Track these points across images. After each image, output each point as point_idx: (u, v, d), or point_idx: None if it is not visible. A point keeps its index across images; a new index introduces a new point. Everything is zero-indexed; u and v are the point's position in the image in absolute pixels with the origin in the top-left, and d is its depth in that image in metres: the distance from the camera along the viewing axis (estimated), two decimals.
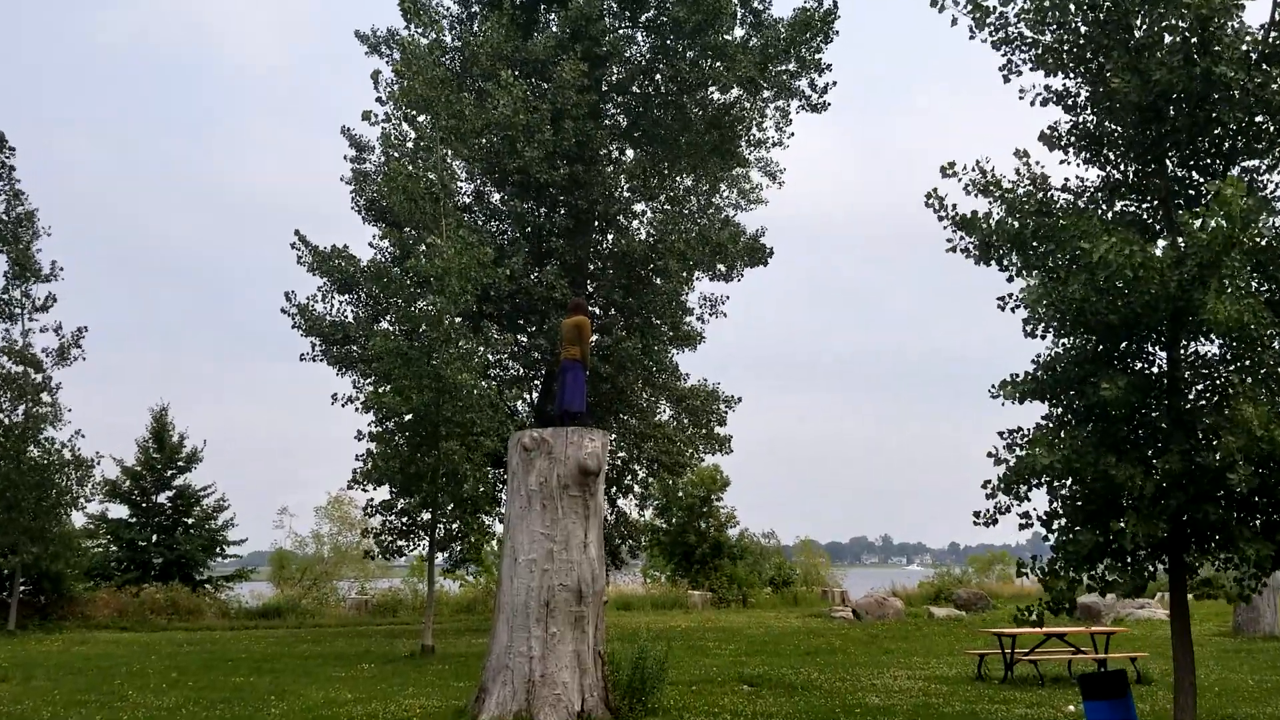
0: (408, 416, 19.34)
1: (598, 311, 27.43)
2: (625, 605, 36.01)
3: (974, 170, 10.42)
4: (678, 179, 29.29)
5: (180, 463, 35.95)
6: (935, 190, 10.27)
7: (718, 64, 26.27)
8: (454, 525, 20.33)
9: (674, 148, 27.45)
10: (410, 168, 19.57)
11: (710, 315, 29.30)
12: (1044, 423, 9.73)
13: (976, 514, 9.94)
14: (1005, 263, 10.09)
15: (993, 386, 9.99)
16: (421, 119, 20.51)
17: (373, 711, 12.06)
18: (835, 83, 27.55)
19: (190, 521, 35.89)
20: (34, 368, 25.28)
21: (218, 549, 36.18)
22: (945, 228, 10.29)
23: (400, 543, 20.81)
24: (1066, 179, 10.28)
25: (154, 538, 35.04)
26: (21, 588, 28.62)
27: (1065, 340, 9.89)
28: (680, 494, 39.49)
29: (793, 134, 29.08)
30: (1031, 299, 9.16)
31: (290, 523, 50.51)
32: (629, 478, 28.71)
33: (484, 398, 18.91)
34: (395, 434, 19.92)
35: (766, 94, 28.13)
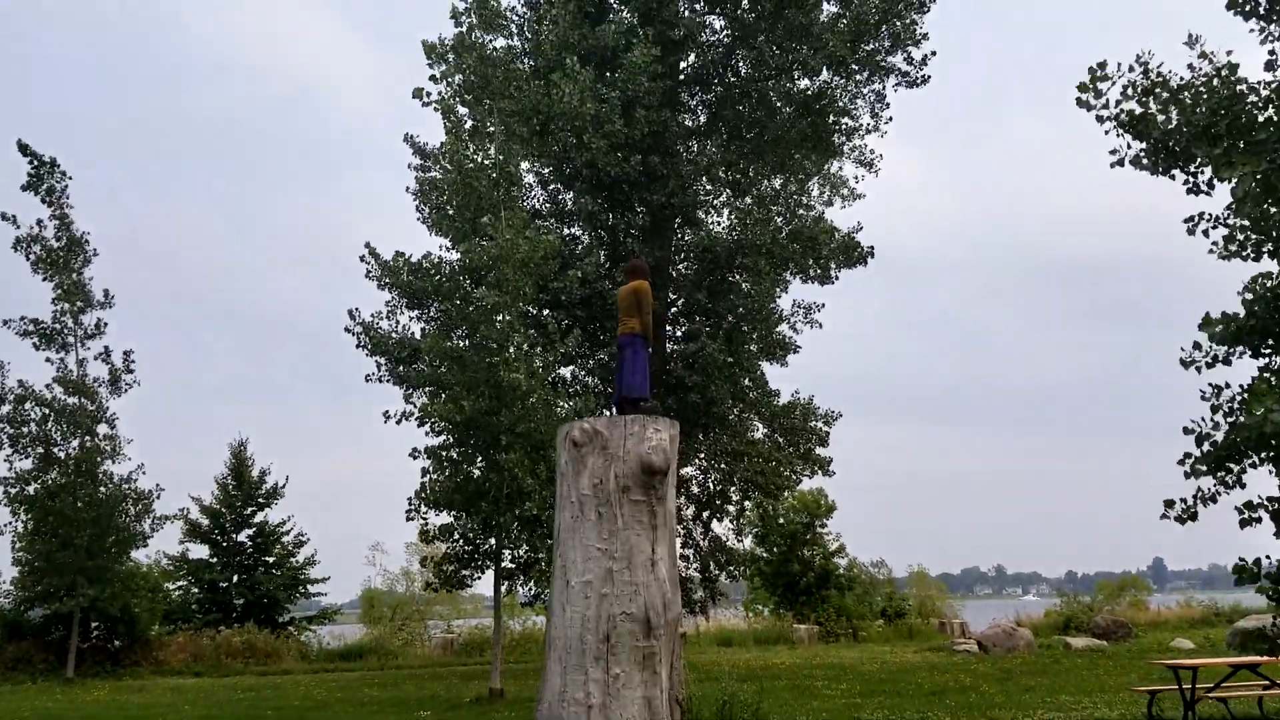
0: (465, 429, 17.28)
1: (680, 319, 25.22)
2: (726, 640, 33.49)
3: (1133, 71, 7.95)
4: (764, 179, 27.00)
5: (260, 499, 34.74)
6: (1091, 81, 7.82)
7: (803, 47, 24.02)
8: (521, 551, 18.22)
9: (759, 142, 25.22)
10: (466, 145, 17.70)
11: (804, 324, 26.82)
12: (1265, 375, 7.12)
13: (1169, 504, 7.39)
14: (1191, 167, 7.56)
15: (1186, 354, 7.45)
16: (475, 100, 18.65)
17: None
18: (935, 53, 25.09)
19: (271, 560, 34.58)
20: (88, 398, 24.03)
21: (300, 589, 34.74)
22: (1107, 132, 7.81)
23: (464, 572, 18.68)
24: (1274, 52, 7.68)
25: (235, 578, 33.82)
26: (95, 632, 27.52)
27: None
28: (780, 520, 36.84)
29: (890, 119, 26.53)
30: (1246, 197, 6.60)
31: (381, 560, 49.04)
32: (722, 501, 26.27)
33: (547, 405, 16.77)
34: (452, 449, 17.89)
35: (859, 76, 25.76)
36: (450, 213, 18.62)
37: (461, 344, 18.43)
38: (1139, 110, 7.76)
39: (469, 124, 18.74)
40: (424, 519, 18.33)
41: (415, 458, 18.23)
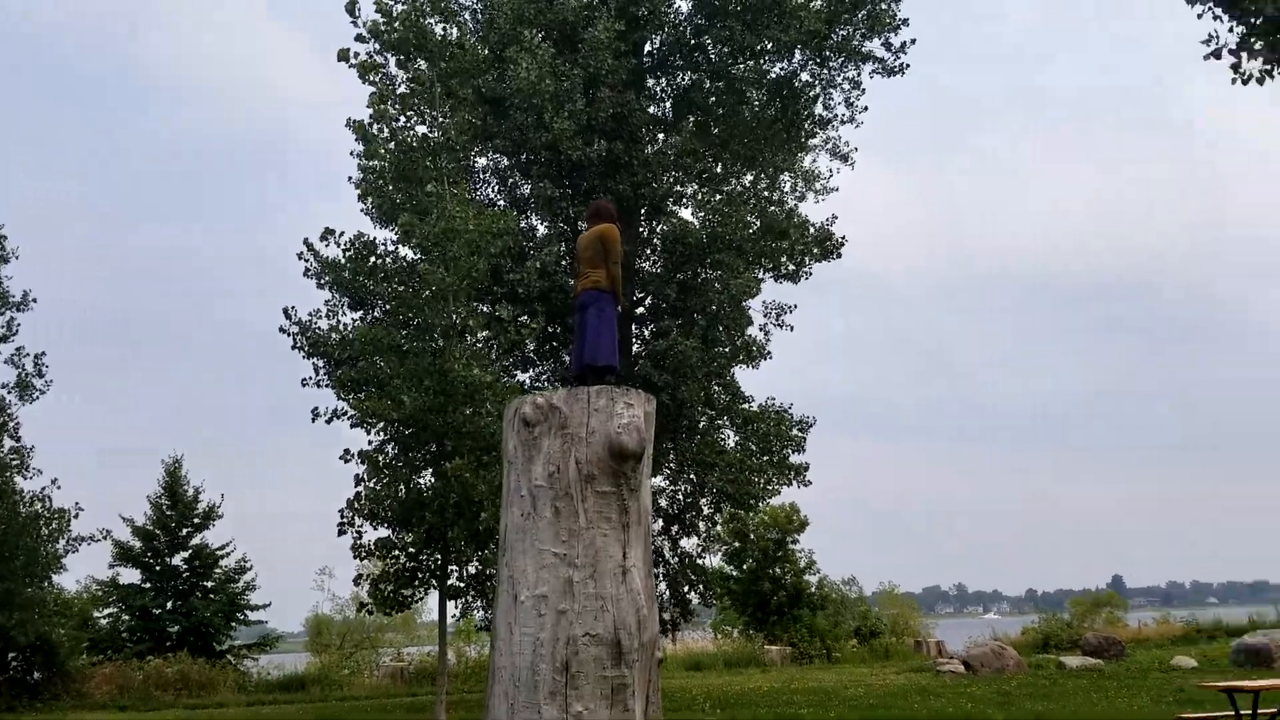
0: (407, 431, 15.35)
1: (647, 319, 23.43)
2: (694, 665, 31.68)
3: None
4: (733, 174, 25.37)
5: (195, 520, 32.48)
6: None
7: (774, 25, 22.46)
8: (470, 568, 16.27)
9: (727, 133, 23.63)
10: (395, 112, 15.97)
11: (775, 325, 25.02)
12: None
13: None
14: None
15: None
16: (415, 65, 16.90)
17: None
18: (914, 40, 23.64)
19: (209, 585, 32.33)
20: None
21: (239, 615, 32.50)
22: (1200, 16, 6.16)
23: (404, 592, 16.64)
24: None
25: (169, 604, 31.52)
26: (12, 663, 25.31)
27: None
28: (752, 535, 35.10)
29: (866, 108, 25.01)
30: None
31: (329, 585, 46.61)
32: (693, 514, 24.41)
33: (502, 404, 14.88)
34: (389, 454, 15.94)
35: (834, 63, 24.25)
36: (389, 189, 16.80)
37: (404, 339, 16.58)
38: None
39: (402, 87, 16.98)
40: (358, 532, 16.32)
41: (347, 461, 16.20)
